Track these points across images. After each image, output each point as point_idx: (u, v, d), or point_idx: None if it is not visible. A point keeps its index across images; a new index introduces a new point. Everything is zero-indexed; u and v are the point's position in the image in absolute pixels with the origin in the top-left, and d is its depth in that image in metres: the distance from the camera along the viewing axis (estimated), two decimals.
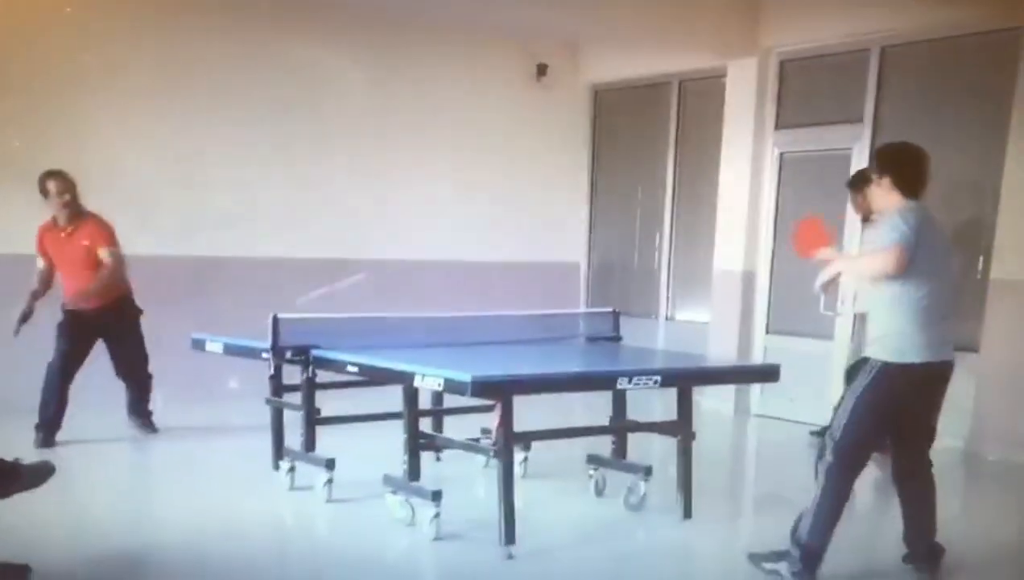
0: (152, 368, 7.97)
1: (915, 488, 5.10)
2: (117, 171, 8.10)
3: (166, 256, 8.23)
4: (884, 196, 4.96)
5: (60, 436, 7.54)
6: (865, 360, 4.98)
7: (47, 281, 7.64)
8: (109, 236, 7.55)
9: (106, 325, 7.69)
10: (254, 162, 9.62)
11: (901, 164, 4.96)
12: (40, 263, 7.63)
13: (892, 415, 4.90)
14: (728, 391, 9.30)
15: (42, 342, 7.53)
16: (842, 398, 5.17)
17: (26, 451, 6.63)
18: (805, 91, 9.67)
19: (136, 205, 8.42)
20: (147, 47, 9.12)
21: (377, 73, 10.25)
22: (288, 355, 6.20)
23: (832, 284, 5.15)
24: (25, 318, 7.45)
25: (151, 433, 7.94)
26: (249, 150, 9.59)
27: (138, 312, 7.84)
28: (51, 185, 7.47)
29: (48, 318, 7.59)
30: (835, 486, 4.88)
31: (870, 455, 4.98)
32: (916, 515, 5.11)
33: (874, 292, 4.94)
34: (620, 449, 6.49)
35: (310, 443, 6.40)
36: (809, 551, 4.89)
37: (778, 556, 5.00)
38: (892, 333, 4.84)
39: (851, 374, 6.10)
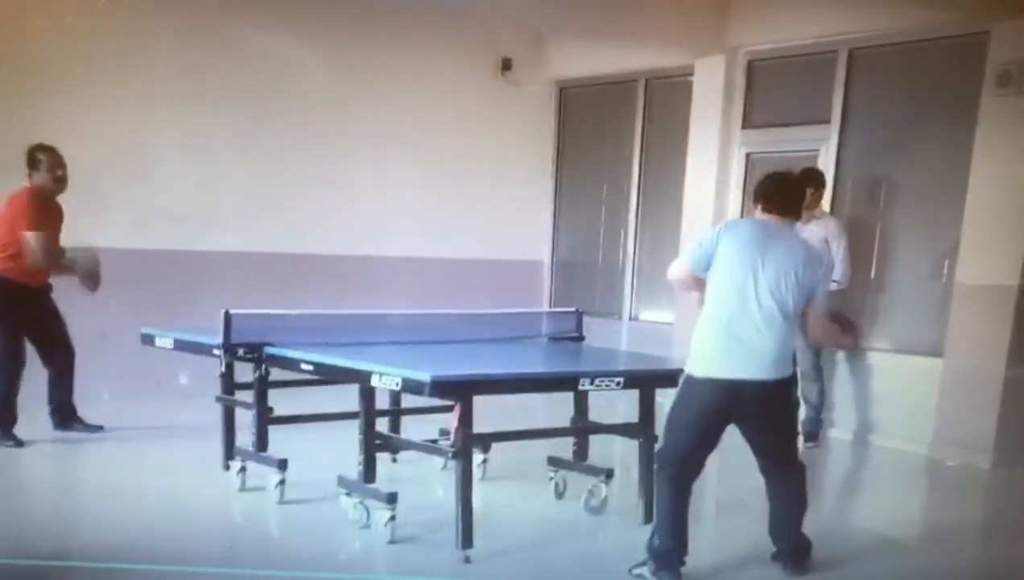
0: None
1: (775, 489, 5.22)
2: (68, 160, 7.92)
3: (117, 248, 8.06)
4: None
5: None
6: None
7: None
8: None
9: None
10: (211, 155, 9.50)
11: (764, 192, 5.13)
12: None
13: (696, 425, 4.97)
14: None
15: None
16: None
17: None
18: (772, 91, 9.69)
19: (87, 196, 8.24)
20: (101, 36, 8.97)
21: (338, 64, 10.15)
22: (240, 352, 6.10)
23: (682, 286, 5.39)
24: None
25: (95, 431, 7.76)
26: (206, 142, 9.47)
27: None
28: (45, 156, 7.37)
29: None
30: (662, 490, 5.08)
31: (693, 464, 5.04)
32: (777, 513, 5.24)
33: None
34: (581, 451, 6.44)
35: (262, 443, 6.29)
36: (659, 552, 5.03)
37: (643, 562, 5.10)
38: (695, 344, 4.99)
39: None
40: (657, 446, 5.16)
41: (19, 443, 7.30)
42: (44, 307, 7.52)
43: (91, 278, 7.40)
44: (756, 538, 5.37)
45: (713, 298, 4.92)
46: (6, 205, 7.37)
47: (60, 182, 7.43)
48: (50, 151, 7.41)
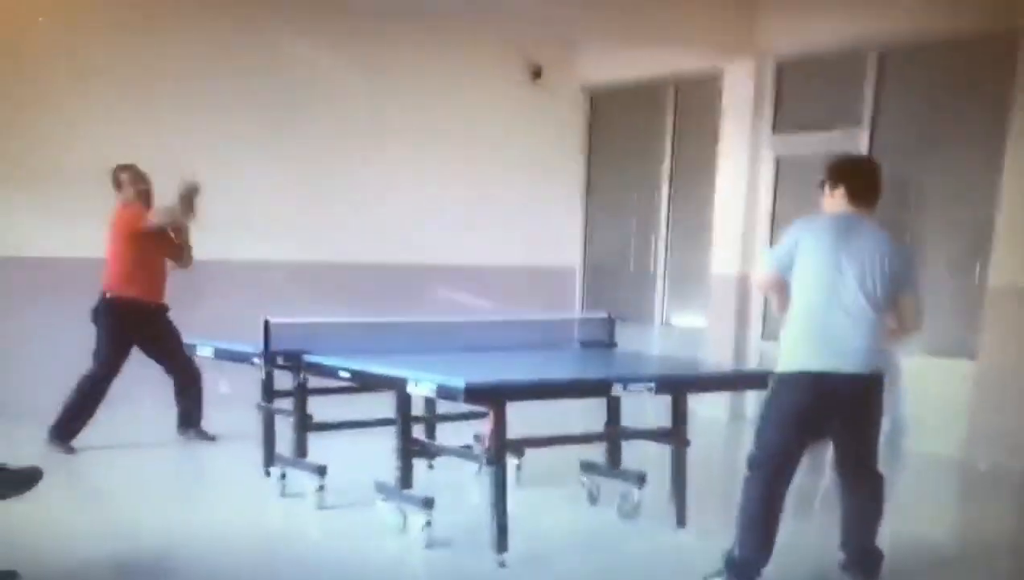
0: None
1: (852, 497, 5.14)
2: (98, 172, 8.07)
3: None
4: (832, 204, 5.04)
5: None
6: None
7: None
8: None
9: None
10: (247, 165, 9.59)
11: (856, 176, 5.09)
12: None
13: (794, 425, 4.92)
14: (724, 397, 9.31)
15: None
16: None
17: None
18: (802, 94, 9.68)
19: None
20: (131, 46, 9.11)
21: (371, 74, 10.23)
22: (279, 360, 6.22)
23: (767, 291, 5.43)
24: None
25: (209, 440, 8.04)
26: (242, 153, 9.55)
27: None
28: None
29: (47, 324, 7.62)
30: (749, 496, 4.97)
31: (786, 467, 4.95)
32: (850, 523, 5.14)
33: None
34: (614, 456, 6.50)
35: (301, 449, 6.43)
36: (738, 563, 4.96)
37: (719, 572, 5.04)
38: (784, 344, 4.97)
39: None
40: (751, 449, 5.01)
41: (70, 450, 7.50)
42: (159, 327, 7.79)
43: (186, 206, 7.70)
44: (824, 547, 5.30)
45: (801, 296, 4.89)
46: (111, 230, 7.70)
47: (143, 196, 7.76)
48: (128, 169, 7.75)
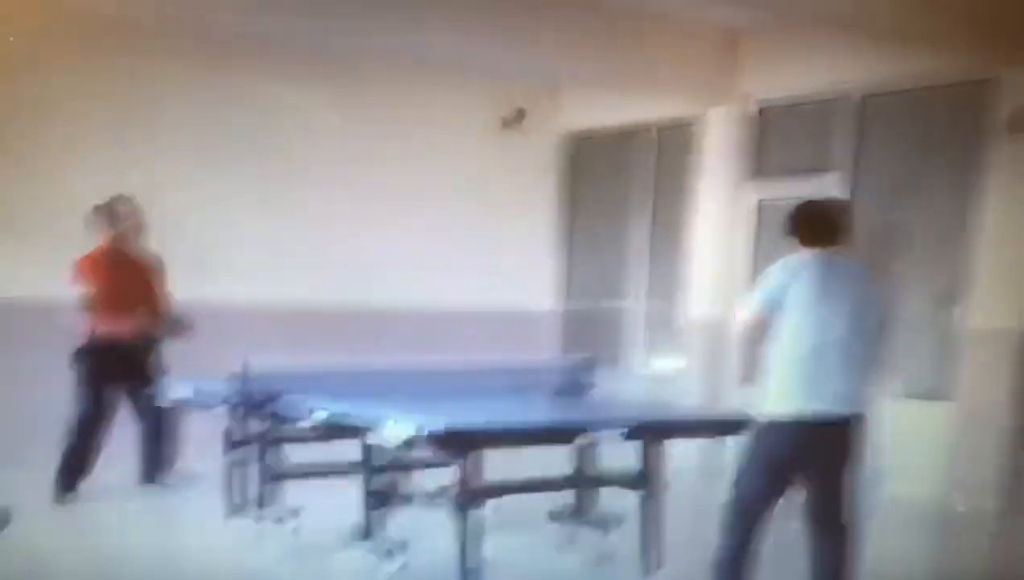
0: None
1: (821, 549, 5.08)
2: (75, 210, 8.06)
3: None
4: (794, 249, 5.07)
5: None
6: None
7: None
8: None
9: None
10: (217, 204, 9.62)
11: (803, 219, 5.09)
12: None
13: (772, 471, 4.92)
14: (700, 442, 9.24)
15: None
16: None
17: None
18: (783, 139, 9.78)
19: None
20: (114, 88, 9.17)
21: (349, 114, 10.27)
22: (244, 409, 6.19)
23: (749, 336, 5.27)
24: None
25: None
26: (211, 192, 9.58)
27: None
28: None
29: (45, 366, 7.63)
30: (729, 544, 4.96)
31: (764, 511, 4.95)
32: (821, 572, 5.09)
33: None
34: (585, 502, 6.46)
35: (270, 495, 6.37)
36: None
37: None
38: (772, 384, 4.94)
39: None
40: (730, 493, 5.01)
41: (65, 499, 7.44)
42: (131, 364, 7.69)
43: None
44: None
45: (791, 337, 4.86)
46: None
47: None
48: (101, 207, 7.67)
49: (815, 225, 5.06)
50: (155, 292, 7.83)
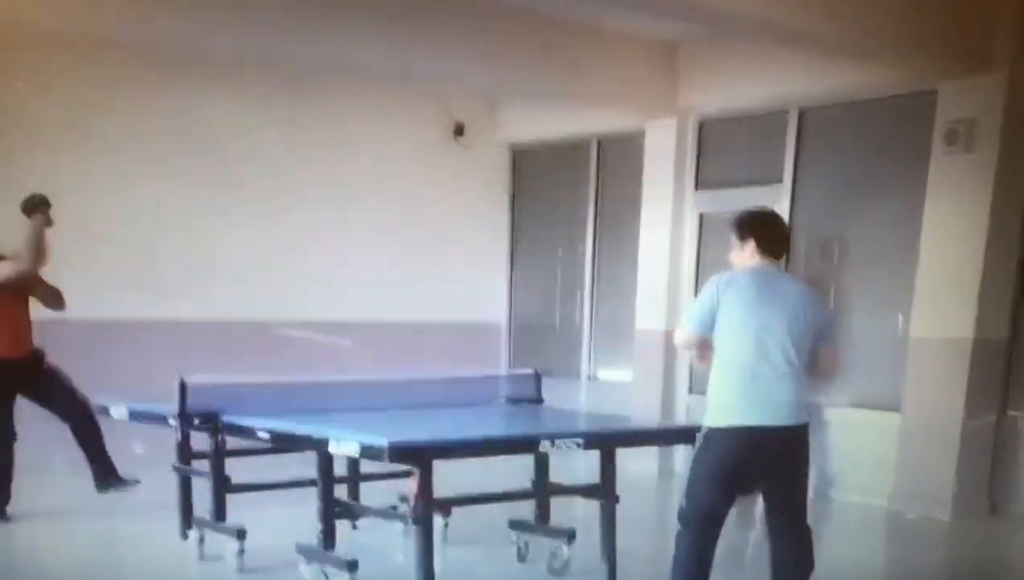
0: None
1: (782, 551, 5.11)
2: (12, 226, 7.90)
3: (68, 318, 8.01)
4: (743, 258, 5.08)
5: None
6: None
7: None
8: None
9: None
10: (158, 219, 9.50)
11: (761, 227, 5.13)
12: None
13: (722, 479, 4.94)
14: (652, 452, 9.29)
15: None
16: None
17: None
18: (725, 152, 9.85)
19: None
20: (59, 104, 9.03)
21: (289, 128, 10.20)
22: (196, 421, 6.10)
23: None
24: None
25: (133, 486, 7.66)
26: (153, 207, 9.46)
27: None
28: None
29: None
30: (682, 552, 4.96)
31: (716, 520, 4.97)
32: (781, 576, 5.13)
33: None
34: (543, 513, 6.44)
35: (220, 512, 6.26)
36: None
37: None
38: (711, 399, 4.99)
39: None
40: (680, 505, 5.01)
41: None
42: (35, 376, 7.46)
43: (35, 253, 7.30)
44: None
45: (727, 351, 4.89)
46: None
47: None
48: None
49: (771, 235, 5.10)
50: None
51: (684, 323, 5.08)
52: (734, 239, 5.13)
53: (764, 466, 4.96)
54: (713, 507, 4.95)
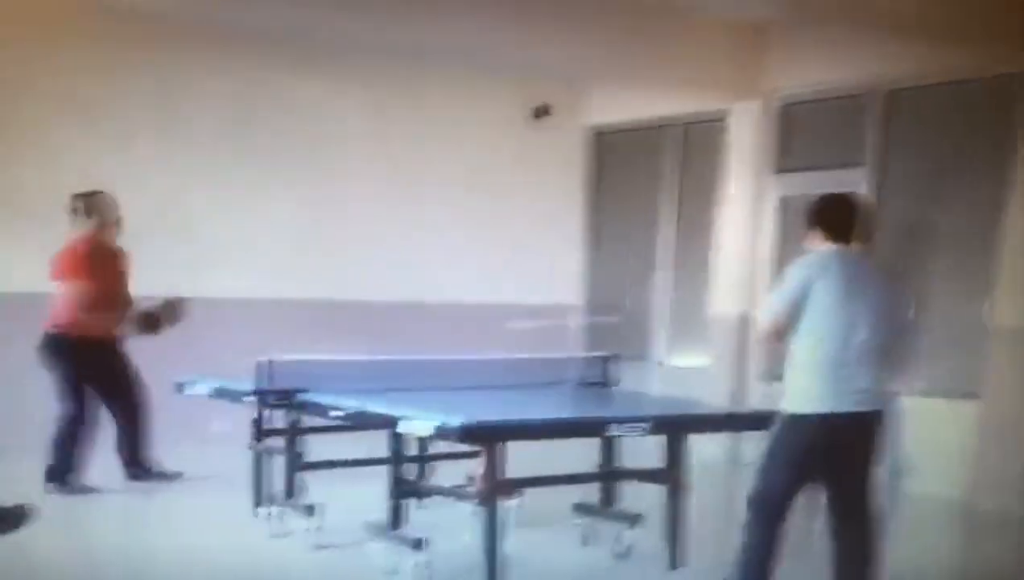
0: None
1: (845, 543, 5.07)
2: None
3: (148, 296, 8.24)
4: (811, 244, 5.09)
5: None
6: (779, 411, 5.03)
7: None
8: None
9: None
10: (244, 200, 9.71)
11: (823, 213, 5.10)
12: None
13: (800, 466, 4.94)
14: (722, 438, 9.25)
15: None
16: None
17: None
18: (807, 134, 9.75)
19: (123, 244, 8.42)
20: (138, 87, 9.26)
21: (374, 112, 10.34)
22: (272, 399, 6.23)
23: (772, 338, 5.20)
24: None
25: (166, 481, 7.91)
26: (239, 188, 9.67)
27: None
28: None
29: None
30: (752, 540, 4.95)
31: (786, 507, 4.96)
32: (844, 569, 5.08)
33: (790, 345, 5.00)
34: (608, 497, 6.48)
35: (293, 489, 6.41)
36: None
37: None
38: (793, 384, 4.95)
39: None
40: (752, 489, 5.00)
41: (78, 490, 7.47)
42: (107, 361, 7.71)
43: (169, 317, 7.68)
44: None
45: (813, 338, 4.86)
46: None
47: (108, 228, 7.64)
48: (89, 197, 7.60)
49: (838, 220, 5.07)
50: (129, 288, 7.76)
51: (772, 308, 4.98)
52: (805, 227, 5.14)
53: (840, 453, 4.95)
54: (785, 493, 4.95)
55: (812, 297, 4.84)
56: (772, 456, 4.98)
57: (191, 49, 9.28)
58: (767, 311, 5.02)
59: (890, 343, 4.98)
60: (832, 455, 4.95)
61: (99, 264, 7.60)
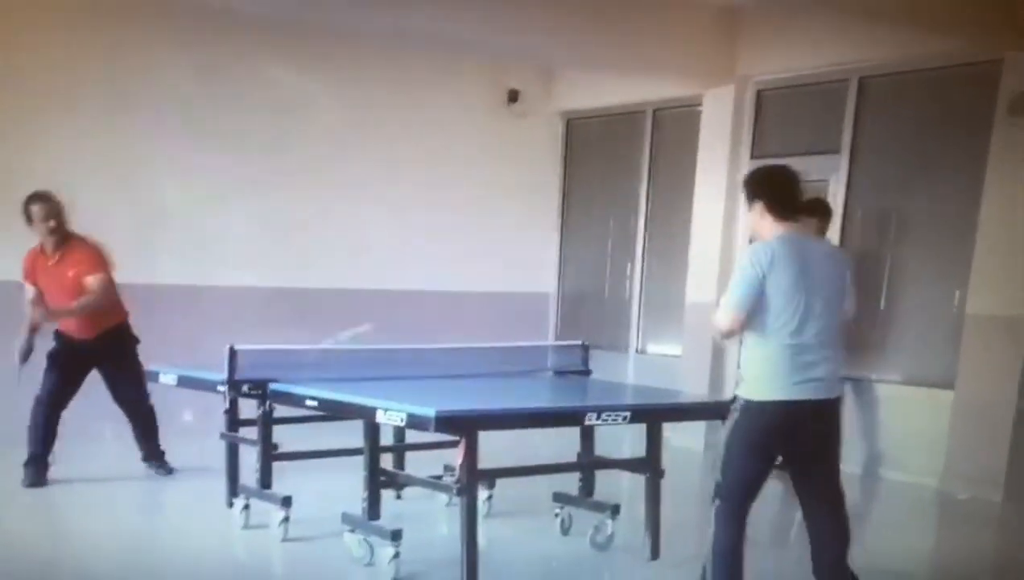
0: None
1: (819, 522, 5.13)
2: (67, 195, 8.03)
3: (120, 283, 8.18)
4: (758, 221, 5.01)
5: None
6: (735, 398, 5.03)
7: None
8: (96, 262, 7.44)
9: (101, 355, 7.61)
10: (215, 188, 9.62)
11: (770, 184, 5.02)
12: (29, 292, 7.55)
13: (761, 453, 4.97)
14: (699, 426, 9.31)
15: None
16: None
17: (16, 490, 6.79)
18: (782, 121, 9.79)
19: (90, 231, 8.35)
20: (106, 70, 9.14)
21: (345, 97, 10.29)
22: (244, 388, 6.20)
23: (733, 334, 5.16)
24: (27, 355, 7.41)
25: (166, 474, 7.86)
26: (210, 175, 9.57)
27: (135, 341, 7.73)
28: (34, 210, 7.36)
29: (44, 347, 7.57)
30: (725, 528, 4.97)
31: (753, 495, 5.00)
32: (823, 547, 5.12)
33: (745, 332, 4.98)
34: (587, 487, 6.51)
35: (266, 480, 6.39)
36: None
37: None
38: (752, 372, 4.95)
39: None
40: (716, 480, 5.01)
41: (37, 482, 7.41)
42: (102, 356, 7.64)
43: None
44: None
45: (770, 326, 4.84)
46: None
47: (54, 233, 7.43)
48: (40, 200, 7.39)
49: (782, 192, 4.98)
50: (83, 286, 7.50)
51: (730, 307, 4.88)
52: (744, 201, 5.08)
53: (802, 441, 4.97)
54: (751, 481, 4.98)
55: (768, 287, 4.82)
56: (733, 446, 4.97)
57: (157, 29, 9.19)
58: (726, 311, 4.90)
59: (841, 327, 5.00)
60: (794, 442, 4.97)
61: (32, 270, 7.56)
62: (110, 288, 7.50)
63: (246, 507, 6.50)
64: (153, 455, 7.92)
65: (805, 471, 5.10)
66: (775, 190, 4.98)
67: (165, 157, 9.35)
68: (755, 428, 4.92)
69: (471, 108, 11.15)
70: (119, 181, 9.09)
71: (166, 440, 7.98)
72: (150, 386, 7.42)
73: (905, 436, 8.48)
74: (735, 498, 4.97)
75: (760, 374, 4.93)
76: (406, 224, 10.64)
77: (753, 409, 4.92)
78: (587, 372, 7.09)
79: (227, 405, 6.46)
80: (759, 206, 4.97)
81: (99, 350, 7.59)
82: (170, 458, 7.98)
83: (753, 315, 4.86)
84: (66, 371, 7.55)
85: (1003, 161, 8.03)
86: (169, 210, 9.40)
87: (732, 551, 4.97)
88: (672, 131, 10.85)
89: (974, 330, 8.15)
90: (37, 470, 7.43)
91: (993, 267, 8.06)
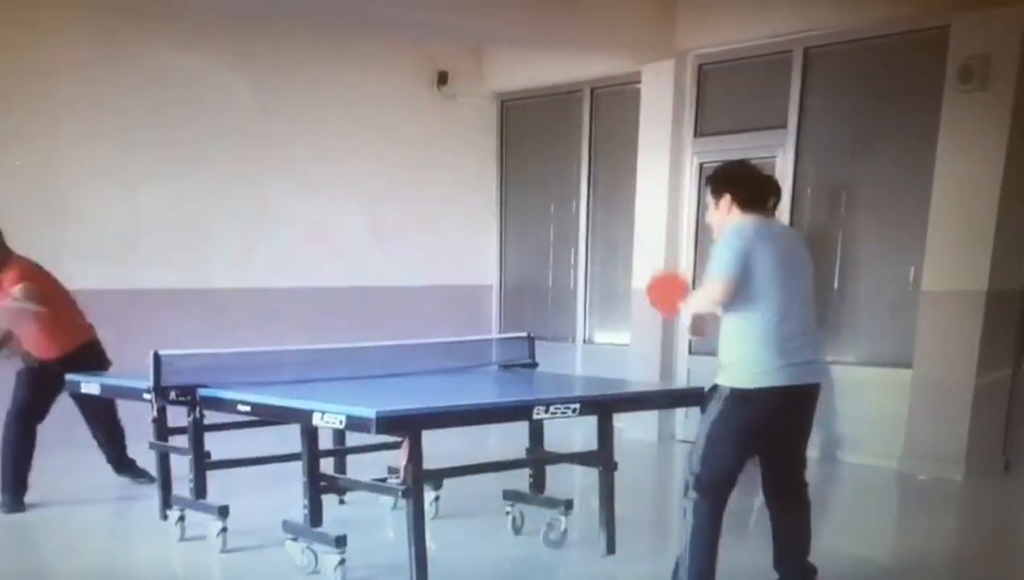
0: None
1: (786, 514, 5.29)
2: None
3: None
4: (723, 215, 5.15)
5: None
6: (715, 388, 5.10)
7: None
8: (20, 277, 7.36)
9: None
10: (127, 183, 9.57)
11: (738, 180, 5.20)
12: None
13: (747, 442, 5.07)
14: (651, 417, 9.45)
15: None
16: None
17: None
18: (725, 96, 9.88)
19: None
20: (8, 63, 9.07)
21: (261, 79, 10.22)
22: (172, 395, 6.20)
23: (701, 324, 5.22)
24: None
25: (150, 482, 7.70)
26: (120, 169, 9.53)
27: (105, 362, 7.65)
28: None
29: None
30: (703, 521, 5.05)
31: (733, 484, 5.09)
32: (787, 540, 5.30)
33: (723, 318, 5.08)
34: (538, 483, 6.57)
35: (201, 489, 6.40)
36: None
37: None
38: (737, 359, 5.04)
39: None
40: (693, 473, 5.04)
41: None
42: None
43: None
44: (757, 569, 5.42)
45: (755, 309, 4.94)
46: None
47: None
48: None
49: (753, 186, 5.17)
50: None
51: (719, 275, 4.92)
52: (708, 197, 5.22)
53: (783, 427, 5.10)
54: (734, 471, 5.06)
55: (753, 267, 4.91)
56: (717, 437, 5.03)
57: (49, 11, 9.13)
58: (715, 280, 4.94)
59: (814, 312, 5.16)
60: (774, 429, 5.09)
61: None
62: (35, 297, 7.44)
63: (181, 518, 6.49)
64: (127, 466, 7.92)
65: (775, 455, 5.22)
66: (747, 183, 5.16)
67: (72, 155, 9.32)
68: (746, 417, 5.01)
69: (398, 92, 11.13)
70: (25, 183, 9.01)
71: (88, 453, 7.95)
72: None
73: (863, 418, 8.62)
74: (716, 490, 5.04)
75: (744, 359, 5.01)
76: (335, 217, 10.64)
77: (744, 397, 4.99)
78: (533, 365, 7.16)
79: (155, 413, 6.46)
80: (726, 199, 5.12)
81: (65, 372, 7.57)
82: (98, 472, 7.94)
83: (736, 297, 4.93)
84: (35, 389, 7.54)
85: (954, 130, 8.17)
86: (77, 210, 9.32)
87: (710, 544, 5.06)
88: (611, 110, 10.94)
89: (930, 307, 8.32)
90: (14, 497, 7.38)
91: (948, 241, 8.22)
